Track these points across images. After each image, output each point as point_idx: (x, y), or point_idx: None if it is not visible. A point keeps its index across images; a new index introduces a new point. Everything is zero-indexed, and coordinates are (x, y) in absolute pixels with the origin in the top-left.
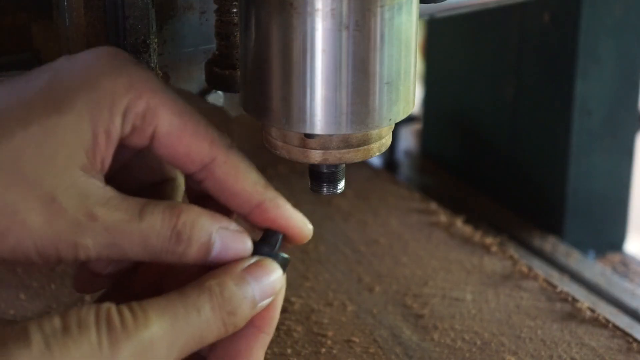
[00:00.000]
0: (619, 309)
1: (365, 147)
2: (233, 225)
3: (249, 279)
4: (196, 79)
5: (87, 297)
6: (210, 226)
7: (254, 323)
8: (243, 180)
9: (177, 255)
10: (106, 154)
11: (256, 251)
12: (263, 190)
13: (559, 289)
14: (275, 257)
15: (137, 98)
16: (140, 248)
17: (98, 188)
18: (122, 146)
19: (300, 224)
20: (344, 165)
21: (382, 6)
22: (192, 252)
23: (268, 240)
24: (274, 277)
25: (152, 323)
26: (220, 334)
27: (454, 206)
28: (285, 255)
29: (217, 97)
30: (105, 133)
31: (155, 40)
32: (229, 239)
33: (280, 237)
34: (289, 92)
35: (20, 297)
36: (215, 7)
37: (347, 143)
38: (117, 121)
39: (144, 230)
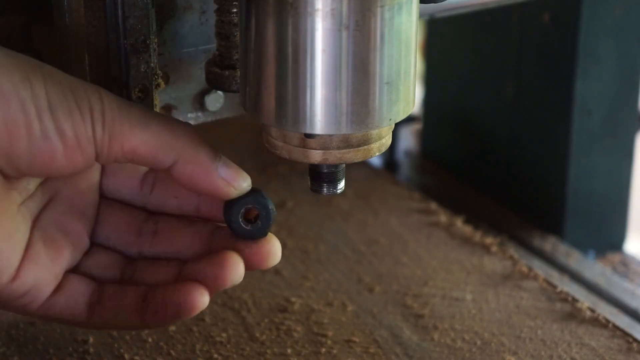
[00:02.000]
0: (619, 309)
1: (365, 147)
2: None
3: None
4: (196, 79)
5: None
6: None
7: None
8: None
9: (195, 143)
10: None
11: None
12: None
13: (559, 289)
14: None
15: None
16: (163, 124)
17: None
18: None
19: None
20: (344, 165)
21: (382, 6)
22: (207, 146)
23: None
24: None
25: None
26: None
27: (454, 206)
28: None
29: (217, 97)
30: None
31: (155, 40)
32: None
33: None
34: (289, 92)
35: None
36: (215, 7)
37: (347, 143)
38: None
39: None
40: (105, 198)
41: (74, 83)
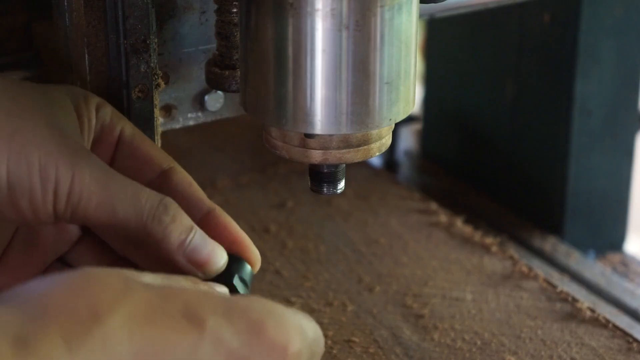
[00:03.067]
0: (619, 309)
1: (365, 147)
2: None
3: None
4: (196, 79)
5: None
6: (190, 220)
7: None
8: (196, 187)
9: (162, 227)
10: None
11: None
12: (209, 201)
13: (559, 289)
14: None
15: (103, 102)
16: (131, 206)
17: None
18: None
19: (248, 242)
20: (344, 165)
21: (382, 6)
22: (175, 231)
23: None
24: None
25: None
26: None
27: (454, 206)
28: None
29: (217, 97)
30: (86, 118)
31: (155, 40)
32: (205, 238)
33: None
34: (289, 92)
35: None
36: (215, 7)
37: (347, 143)
38: (92, 112)
39: (135, 187)
40: None
41: (45, 157)
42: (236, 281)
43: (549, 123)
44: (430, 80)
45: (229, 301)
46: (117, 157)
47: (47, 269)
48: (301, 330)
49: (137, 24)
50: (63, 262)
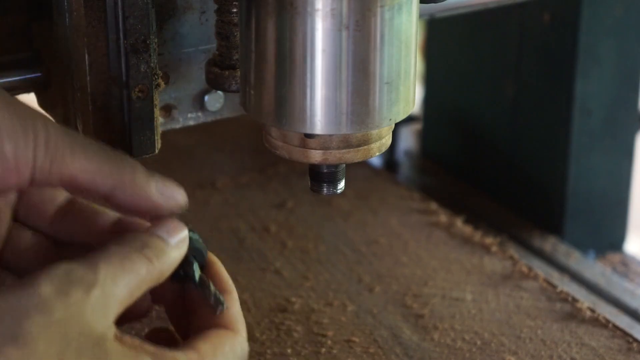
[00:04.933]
0: (619, 309)
1: (365, 147)
2: None
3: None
4: (196, 79)
5: None
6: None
7: (218, 323)
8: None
9: (131, 167)
10: None
11: None
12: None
13: (559, 289)
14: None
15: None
16: (100, 150)
17: None
18: None
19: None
20: (344, 165)
21: (382, 6)
22: (141, 169)
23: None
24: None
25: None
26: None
27: (454, 206)
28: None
29: (217, 97)
30: None
31: (155, 40)
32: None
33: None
34: (289, 92)
35: None
36: (215, 7)
37: (347, 143)
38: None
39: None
40: (16, 221)
41: (21, 107)
42: (196, 267)
43: (549, 123)
44: (430, 80)
45: None
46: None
47: None
48: None
49: (137, 24)
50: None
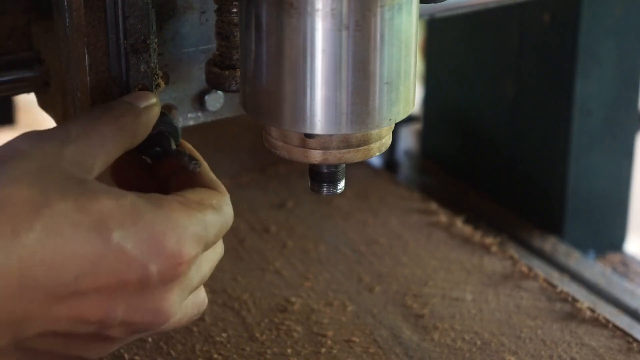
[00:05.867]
0: (619, 309)
1: (365, 147)
2: None
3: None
4: (196, 79)
5: None
6: None
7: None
8: None
9: None
10: None
11: None
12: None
13: (559, 289)
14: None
15: None
16: None
17: None
18: None
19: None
20: (344, 165)
21: (382, 6)
22: None
23: None
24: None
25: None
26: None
27: (454, 206)
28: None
29: (217, 97)
30: None
31: (155, 40)
32: None
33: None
34: (289, 92)
35: None
36: (215, 7)
37: (347, 143)
38: None
39: None
40: None
41: None
42: (171, 141)
43: (549, 123)
44: (430, 80)
45: (137, 213)
46: None
47: None
48: (198, 237)
49: (137, 24)
50: None
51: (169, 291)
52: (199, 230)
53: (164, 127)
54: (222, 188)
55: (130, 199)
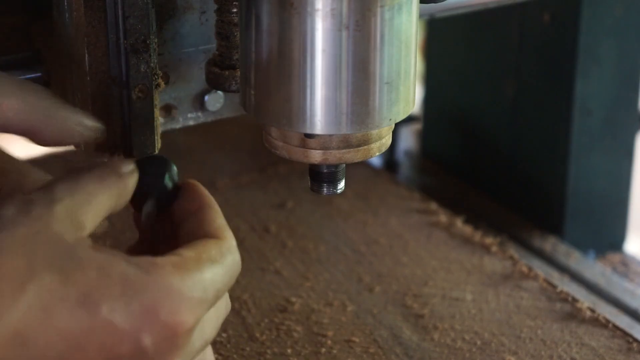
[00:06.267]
0: (619, 309)
1: (365, 147)
2: None
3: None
4: (196, 79)
5: None
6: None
7: (204, 234)
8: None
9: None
10: None
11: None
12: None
13: (559, 289)
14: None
15: None
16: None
17: None
18: None
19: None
20: (344, 165)
21: (382, 6)
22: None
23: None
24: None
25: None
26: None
27: (454, 206)
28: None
29: (217, 97)
30: None
31: (155, 40)
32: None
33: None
34: (289, 92)
35: None
36: (215, 7)
37: (347, 143)
38: None
39: None
40: None
41: None
42: (167, 180)
43: (549, 123)
44: (430, 80)
45: (126, 282)
46: None
47: None
48: (197, 300)
49: (137, 24)
50: None
51: None
52: (196, 293)
53: (146, 187)
54: (227, 234)
55: (119, 267)
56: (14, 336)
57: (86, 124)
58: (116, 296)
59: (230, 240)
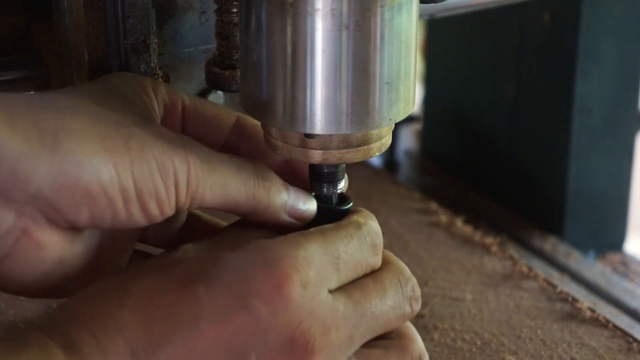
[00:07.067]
0: (619, 309)
1: (365, 147)
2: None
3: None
4: (196, 79)
5: None
6: (279, 178)
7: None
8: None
9: (267, 193)
10: None
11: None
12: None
13: (559, 289)
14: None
15: (155, 82)
16: (239, 181)
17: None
18: None
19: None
20: (344, 165)
21: (382, 6)
22: (277, 193)
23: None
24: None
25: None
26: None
27: (454, 206)
28: (346, 207)
29: (217, 97)
30: (150, 105)
31: (155, 40)
32: (297, 190)
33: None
34: (289, 92)
35: (20, 298)
36: (215, 7)
37: (347, 143)
38: (152, 96)
39: (234, 161)
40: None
41: (161, 155)
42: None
43: (549, 123)
44: (430, 80)
45: (221, 273)
46: (187, 126)
47: None
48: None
49: (137, 24)
50: None
51: None
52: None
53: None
54: (413, 330)
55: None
56: None
57: (298, 214)
58: (210, 281)
59: (417, 340)
